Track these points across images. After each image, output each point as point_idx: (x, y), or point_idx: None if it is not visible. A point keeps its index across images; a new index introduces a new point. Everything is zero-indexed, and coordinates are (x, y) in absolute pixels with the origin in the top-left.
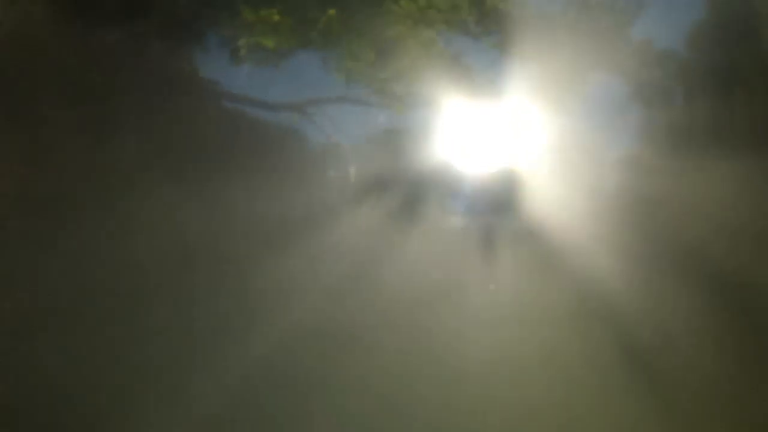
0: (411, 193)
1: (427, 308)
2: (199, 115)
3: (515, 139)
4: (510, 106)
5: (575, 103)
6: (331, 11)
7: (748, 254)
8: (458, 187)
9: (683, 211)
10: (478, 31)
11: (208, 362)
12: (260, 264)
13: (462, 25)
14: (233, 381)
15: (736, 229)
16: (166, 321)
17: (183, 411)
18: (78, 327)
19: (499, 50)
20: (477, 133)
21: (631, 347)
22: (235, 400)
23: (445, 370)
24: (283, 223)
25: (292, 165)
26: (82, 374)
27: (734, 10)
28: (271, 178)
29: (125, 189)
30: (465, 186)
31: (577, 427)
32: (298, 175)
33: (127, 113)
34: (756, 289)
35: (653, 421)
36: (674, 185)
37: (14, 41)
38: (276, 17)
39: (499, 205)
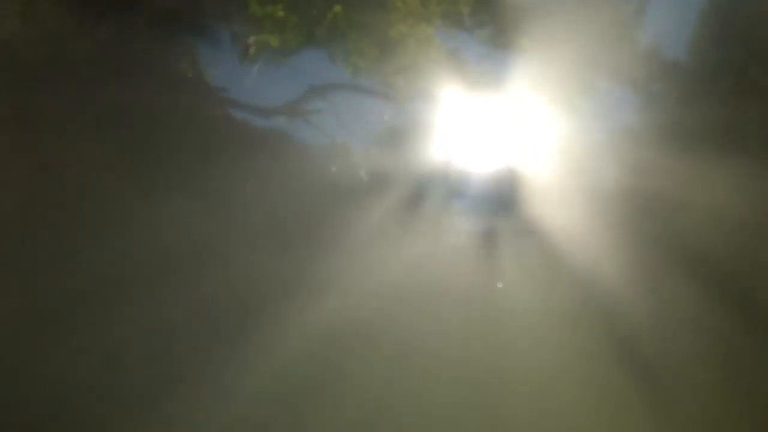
0: (414, 191)
1: (429, 305)
2: (202, 115)
3: (517, 136)
4: (511, 103)
5: (578, 100)
6: (337, 7)
7: (750, 253)
8: (460, 185)
9: (684, 210)
10: (476, 25)
11: (212, 361)
12: (262, 263)
13: (461, 20)
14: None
15: (737, 228)
16: (167, 319)
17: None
18: (72, 326)
19: (498, 46)
20: (478, 130)
21: (632, 345)
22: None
23: (444, 367)
24: (287, 222)
25: (294, 164)
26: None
27: (736, 10)
28: (274, 177)
29: (122, 185)
30: (467, 184)
31: (579, 421)
32: (301, 174)
33: (130, 110)
34: (756, 286)
35: (654, 416)
36: (675, 183)
37: (14, 39)
38: (281, 13)
39: (500, 202)
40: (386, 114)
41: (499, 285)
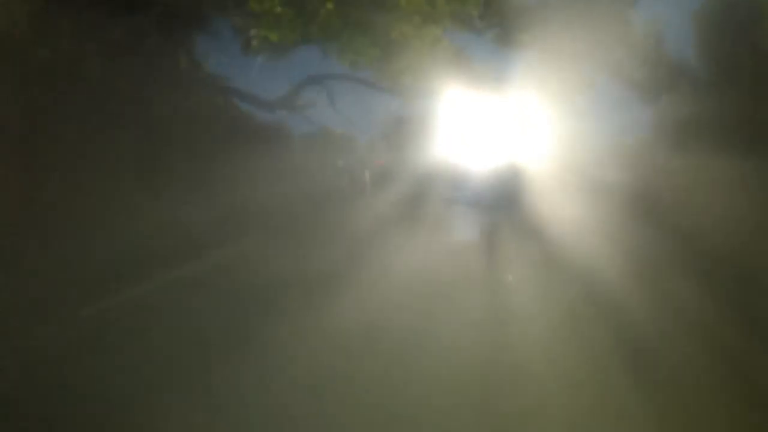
0: (416, 186)
1: (428, 301)
2: (206, 109)
3: (521, 133)
4: (514, 101)
5: (579, 97)
6: (329, 5)
7: (750, 250)
8: (463, 180)
9: (687, 209)
10: (482, 25)
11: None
12: (268, 256)
13: (466, 20)
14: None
15: (737, 225)
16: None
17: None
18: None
19: (502, 44)
20: (481, 127)
21: (634, 343)
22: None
23: (448, 363)
24: (290, 213)
25: (297, 156)
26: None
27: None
28: (276, 169)
29: (127, 180)
30: (469, 180)
31: (579, 421)
32: (304, 167)
33: (134, 106)
34: (756, 285)
35: (654, 415)
36: (675, 181)
37: (14, 37)
38: (278, 9)
39: (502, 198)
40: (391, 108)
41: (510, 278)
